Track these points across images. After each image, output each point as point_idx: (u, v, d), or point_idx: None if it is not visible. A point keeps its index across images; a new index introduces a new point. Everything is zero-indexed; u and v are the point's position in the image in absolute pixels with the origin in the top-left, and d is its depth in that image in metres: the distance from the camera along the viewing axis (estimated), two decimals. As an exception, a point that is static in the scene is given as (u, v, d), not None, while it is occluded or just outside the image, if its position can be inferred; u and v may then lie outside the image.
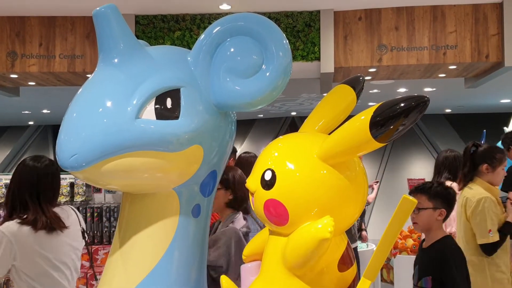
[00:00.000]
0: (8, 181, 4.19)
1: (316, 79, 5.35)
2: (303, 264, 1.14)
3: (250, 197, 1.30)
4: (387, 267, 5.50)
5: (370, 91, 7.35)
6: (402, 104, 1.05)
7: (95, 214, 4.32)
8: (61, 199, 4.30)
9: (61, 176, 4.44)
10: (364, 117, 1.08)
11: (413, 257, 2.72)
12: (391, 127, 1.07)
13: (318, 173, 1.19)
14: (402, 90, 7.32)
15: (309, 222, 1.16)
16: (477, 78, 5.48)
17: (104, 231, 4.34)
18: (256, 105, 1.38)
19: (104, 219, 4.35)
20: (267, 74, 1.33)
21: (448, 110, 9.69)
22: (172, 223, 1.42)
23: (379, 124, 1.06)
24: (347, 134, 1.14)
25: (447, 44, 4.73)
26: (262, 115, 9.95)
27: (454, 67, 5.03)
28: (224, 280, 1.27)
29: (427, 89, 7.31)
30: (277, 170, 1.21)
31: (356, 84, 1.44)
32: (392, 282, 5.51)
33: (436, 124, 9.97)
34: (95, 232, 4.28)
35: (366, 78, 5.94)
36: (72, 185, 4.30)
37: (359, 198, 1.23)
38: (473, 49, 4.73)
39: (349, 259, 1.24)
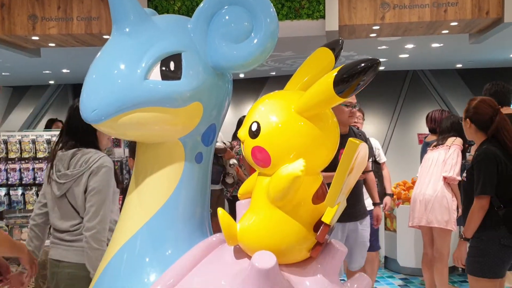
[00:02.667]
0: (35, 137, 4.52)
1: (322, 37, 5.48)
2: (282, 197, 1.40)
3: (242, 144, 1.55)
4: (390, 216, 5.78)
5: (379, 47, 7.40)
6: (359, 66, 1.27)
7: (116, 167, 4.65)
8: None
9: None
10: (329, 77, 1.32)
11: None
12: (351, 85, 1.30)
13: (296, 124, 1.43)
14: (409, 46, 7.33)
15: (287, 164, 1.41)
16: (480, 34, 5.53)
17: (124, 183, 4.68)
18: (248, 66, 1.60)
19: (124, 171, 4.68)
20: (257, 39, 1.54)
21: (459, 65, 9.63)
22: (178, 167, 1.69)
23: (341, 82, 1.29)
24: (317, 91, 1.37)
25: (448, 1, 4.78)
26: (274, 73, 10.07)
27: (456, 23, 5.08)
28: (221, 211, 1.53)
29: (434, 45, 7.30)
30: (262, 122, 1.45)
31: (336, 46, 1.62)
32: (395, 231, 5.82)
33: (448, 79, 9.95)
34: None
35: (371, 35, 6.05)
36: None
37: (329, 145, 1.47)
38: (474, 6, 4.77)
39: (323, 195, 1.49)
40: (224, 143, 5.41)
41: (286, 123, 1.43)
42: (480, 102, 3.09)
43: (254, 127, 1.46)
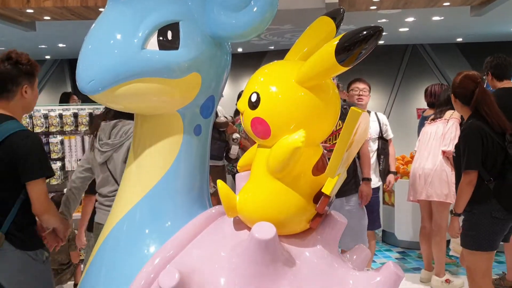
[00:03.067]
0: (32, 112, 4.48)
1: (322, 9, 5.40)
2: (282, 168, 1.39)
3: (240, 116, 1.53)
4: (389, 191, 5.81)
5: (379, 21, 7.31)
6: (361, 34, 1.24)
7: (114, 142, 4.64)
8: (81, 128, 4.61)
9: (81, 106, 4.74)
10: (331, 46, 1.29)
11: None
12: (353, 53, 1.27)
13: (296, 95, 1.40)
14: (410, 19, 7.25)
15: (287, 135, 1.39)
16: (482, 7, 5.46)
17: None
18: (247, 35, 1.57)
19: (123, 146, 4.66)
20: (256, 7, 1.49)
21: (459, 39, 9.55)
22: (177, 139, 1.67)
23: (343, 51, 1.26)
24: (318, 60, 1.34)
25: (449, -28, 4.71)
26: (273, 47, 9.98)
27: (456, -6, 5.02)
28: (220, 183, 1.52)
29: (435, 18, 7.22)
30: (261, 92, 1.43)
31: (337, 15, 1.59)
32: (393, 205, 5.86)
33: (447, 54, 9.89)
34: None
35: (372, 7, 5.96)
36: (91, 115, 4.58)
37: (330, 116, 1.45)
38: (476, -23, 4.71)
39: (323, 166, 1.48)
40: (225, 117, 5.35)
41: (286, 94, 1.41)
42: (463, 77, 3.11)
43: (253, 98, 1.43)
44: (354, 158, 3.19)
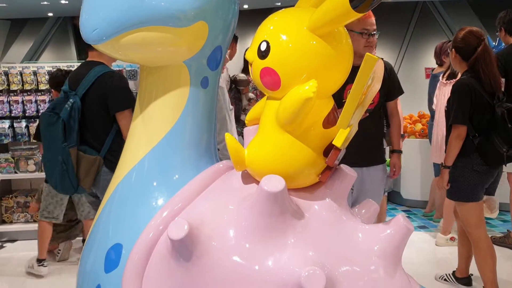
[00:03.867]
0: (36, 69, 4.46)
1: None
2: (292, 120, 1.36)
3: (249, 67, 1.49)
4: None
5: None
6: None
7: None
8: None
9: None
10: None
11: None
12: None
13: (308, 43, 1.35)
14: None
15: (298, 86, 1.35)
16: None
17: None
18: None
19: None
20: None
21: (471, -4, 9.33)
22: (184, 92, 1.63)
23: None
24: (331, 6, 1.28)
25: None
26: (280, 3, 9.77)
27: None
28: (228, 136, 1.50)
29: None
30: (271, 41, 1.37)
31: None
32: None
33: (458, 10, 9.62)
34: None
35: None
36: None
37: (342, 66, 1.40)
38: None
39: (334, 119, 1.44)
40: (245, 75, 4.87)
41: (297, 42, 1.35)
42: (467, 32, 3.09)
43: (263, 47, 1.38)
44: (384, 126, 3.04)
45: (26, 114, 4.51)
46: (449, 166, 3.02)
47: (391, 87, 2.86)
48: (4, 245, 4.31)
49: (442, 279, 3.55)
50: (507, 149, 2.88)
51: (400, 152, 3.22)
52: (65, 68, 4.51)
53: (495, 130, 2.92)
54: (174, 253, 1.36)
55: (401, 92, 3.05)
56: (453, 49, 3.18)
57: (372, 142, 2.91)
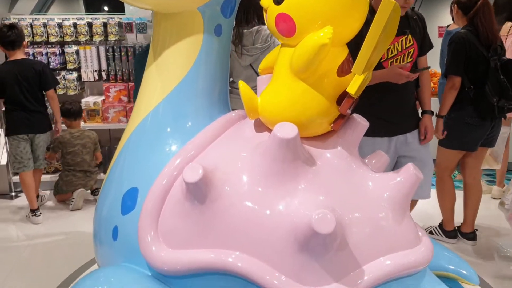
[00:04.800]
0: (46, 21, 4.41)
1: None
2: (307, 67, 1.36)
3: (264, 13, 1.48)
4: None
5: None
6: None
7: (129, 53, 4.58)
8: (96, 38, 4.54)
9: (94, 16, 4.65)
10: None
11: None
12: None
13: None
14: None
15: (313, 32, 1.34)
16: None
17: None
18: None
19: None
20: None
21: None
22: (197, 39, 1.63)
23: None
24: None
25: None
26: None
27: None
28: (242, 84, 1.50)
29: None
30: None
31: None
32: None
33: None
34: (130, 70, 4.58)
35: None
36: (105, 25, 4.49)
37: (358, 14, 1.38)
38: None
39: (348, 68, 1.44)
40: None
41: None
42: None
43: (278, -8, 1.37)
44: (413, 90, 2.76)
45: (37, 67, 4.51)
46: (443, 115, 3.09)
47: (425, 39, 2.68)
48: (18, 194, 4.41)
49: (427, 232, 3.56)
50: (498, 99, 2.95)
51: (432, 113, 2.84)
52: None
53: (488, 81, 2.98)
54: (189, 196, 1.40)
55: (431, 46, 2.79)
56: (455, 5, 3.25)
57: (412, 104, 2.76)
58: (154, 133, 1.61)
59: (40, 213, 3.81)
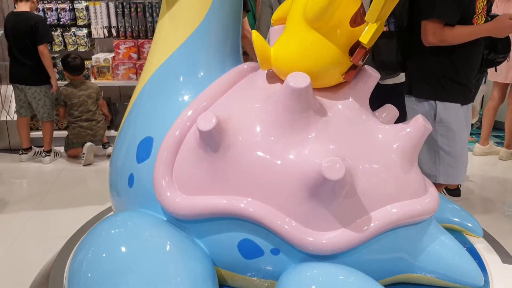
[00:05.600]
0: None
1: None
2: (320, 16, 1.36)
3: None
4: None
5: None
6: None
7: (139, 10, 4.54)
8: (105, -6, 4.51)
9: None
10: None
11: None
12: None
13: None
14: None
15: None
16: None
17: (148, 26, 4.61)
18: None
19: (147, 14, 4.58)
20: None
21: None
22: (210, -10, 1.64)
23: None
24: None
25: None
26: None
27: None
28: (255, 34, 1.51)
29: None
30: None
31: None
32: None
33: None
34: (140, 27, 4.56)
35: None
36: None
37: None
38: None
39: (361, 19, 1.44)
40: None
41: None
42: None
43: None
44: None
45: (47, 23, 4.50)
46: None
47: None
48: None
49: None
50: (487, 53, 2.80)
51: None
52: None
53: None
54: (202, 144, 1.43)
55: None
56: None
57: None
58: (168, 82, 1.64)
59: (24, 154, 4.26)
